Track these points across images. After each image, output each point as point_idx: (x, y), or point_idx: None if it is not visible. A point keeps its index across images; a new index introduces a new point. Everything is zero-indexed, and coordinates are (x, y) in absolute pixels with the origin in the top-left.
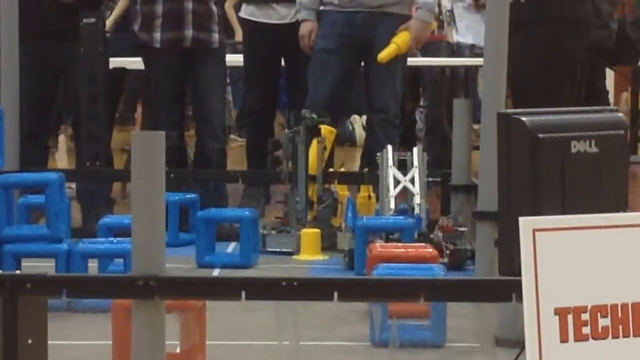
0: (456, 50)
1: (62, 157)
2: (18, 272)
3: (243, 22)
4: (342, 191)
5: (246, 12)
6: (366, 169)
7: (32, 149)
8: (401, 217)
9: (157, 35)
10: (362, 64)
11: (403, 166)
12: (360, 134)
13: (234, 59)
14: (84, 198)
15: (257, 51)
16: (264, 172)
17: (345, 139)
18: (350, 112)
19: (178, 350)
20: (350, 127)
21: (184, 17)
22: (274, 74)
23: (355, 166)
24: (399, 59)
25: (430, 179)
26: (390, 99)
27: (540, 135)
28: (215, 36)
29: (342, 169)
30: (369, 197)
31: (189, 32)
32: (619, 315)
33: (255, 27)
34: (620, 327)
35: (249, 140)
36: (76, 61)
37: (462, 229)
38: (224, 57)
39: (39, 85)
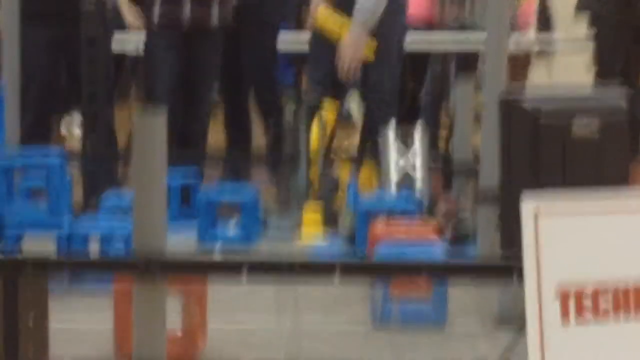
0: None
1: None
2: (19, 253)
3: None
4: (343, 172)
5: None
6: (366, 148)
7: (36, 131)
8: (402, 197)
9: (156, 9)
10: None
11: (405, 147)
12: (356, 113)
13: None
14: (89, 178)
15: None
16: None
17: (343, 119)
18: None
19: (179, 331)
20: (347, 107)
21: None
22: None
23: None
24: (395, 38)
25: (432, 161)
26: (385, 77)
27: (541, 120)
28: (215, 13)
29: (343, 149)
30: (370, 178)
31: (187, 9)
32: (621, 298)
33: None
34: (622, 310)
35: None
36: (78, 43)
37: (464, 210)
38: (221, 40)
39: (43, 67)
